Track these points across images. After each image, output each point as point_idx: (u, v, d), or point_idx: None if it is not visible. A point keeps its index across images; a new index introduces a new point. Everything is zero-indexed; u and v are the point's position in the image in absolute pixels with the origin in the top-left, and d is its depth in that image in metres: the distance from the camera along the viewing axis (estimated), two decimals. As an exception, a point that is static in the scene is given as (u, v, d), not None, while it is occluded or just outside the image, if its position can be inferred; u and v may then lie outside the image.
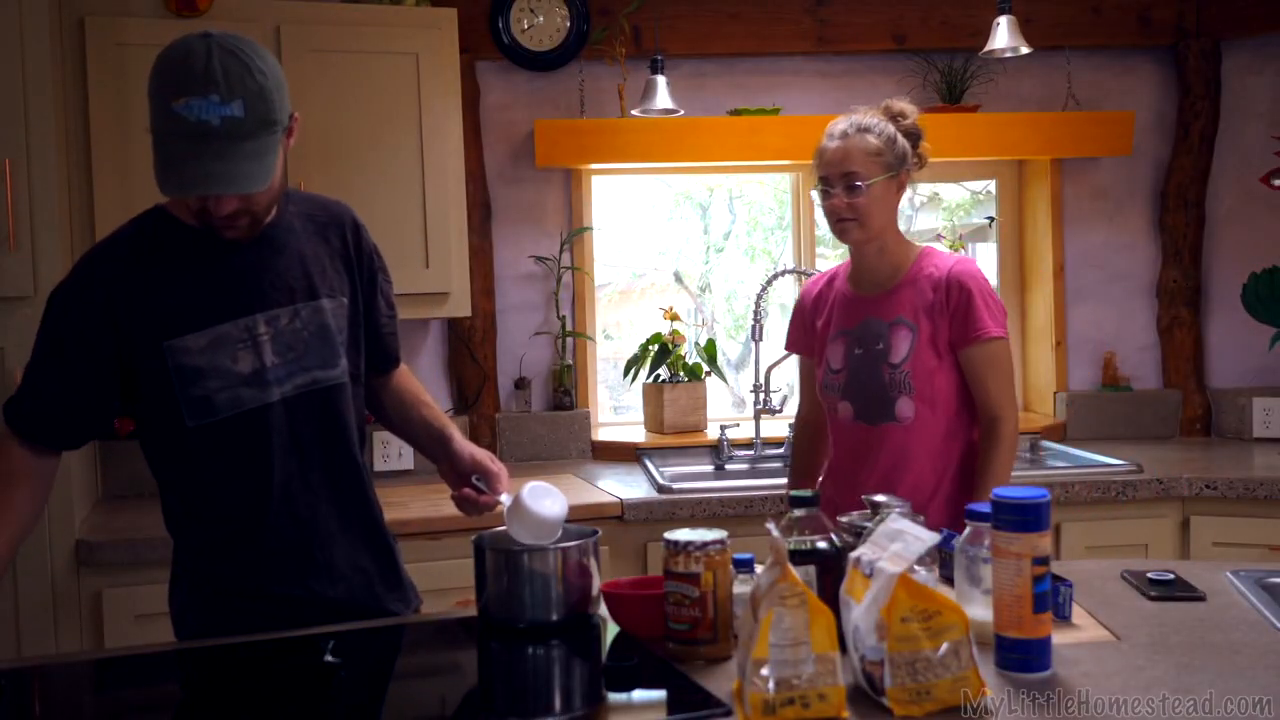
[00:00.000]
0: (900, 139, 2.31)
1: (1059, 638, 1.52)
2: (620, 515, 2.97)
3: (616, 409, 4.01)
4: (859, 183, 2.24)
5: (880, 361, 2.29)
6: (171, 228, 1.78)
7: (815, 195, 2.35)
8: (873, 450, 2.30)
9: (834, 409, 2.38)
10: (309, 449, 1.81)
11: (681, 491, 3.04)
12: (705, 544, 1.54)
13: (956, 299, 2.26)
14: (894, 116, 2.35)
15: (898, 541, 1.43)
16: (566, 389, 3.68)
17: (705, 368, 3.74)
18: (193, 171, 1.60)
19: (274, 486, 1.78)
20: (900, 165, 2.30)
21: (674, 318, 3.72)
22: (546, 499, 1.76)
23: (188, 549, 1.86)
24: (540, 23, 3.59)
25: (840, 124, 2.33)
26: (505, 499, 1.80)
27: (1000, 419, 2.26)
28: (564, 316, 3.68)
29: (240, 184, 1.62)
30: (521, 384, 3.67)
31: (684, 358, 3.71)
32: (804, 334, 2.50)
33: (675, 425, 3.67)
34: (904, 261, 2.35)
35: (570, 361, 3.70)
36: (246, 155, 1.61)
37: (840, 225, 2.29)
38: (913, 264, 2.34)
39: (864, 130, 2.28)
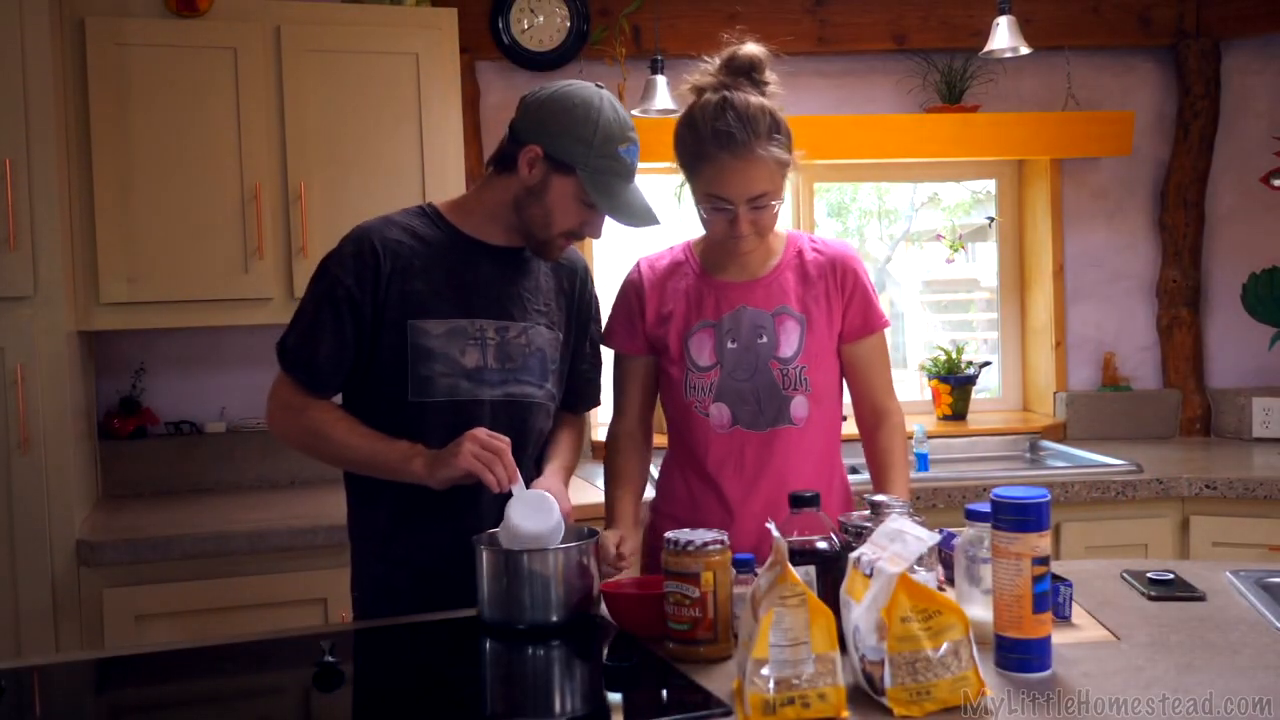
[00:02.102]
0: (780, 116, 1.95)
1: (1059, 638, 1.52)
2: (620, 515, 2.97)
3: (616, 409, 3.99)
4: (771, 203, 1.92)
5: (764, 356, 1.99)
6: (439, 224, 1.97)
7: (698, 209, 1.98)
8: (755, 459, 2.00)
9: (700, 412, 2.02)
10: None
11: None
12: (705, 544, 1.54)
13: (852, 286, 2.03)
14: (752, 77, 1.98)
15: (898, 541, 1.43)
16: (566, 389, 3.67)
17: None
18: (638, 206, 1.92)
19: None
20: (790, 152, 1.95)
21: (674, 318, 3.70)
22: (532, 513, 1.76)
23: (369, 527, 1.99)
24: (540, 23, 3.59)
25: (725, 119, 1.89)
26: (517, 489, 1.79)
27: (890, 409, 2.08)
28: (564, 316, 3.67)
29: (657, 215, 1.94)
30: (521, 384, 3.66)
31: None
32: (633, 327, 2.10)
33: (675, 425, 3.65)
34: (775, 245, 2.06)
35: (570, 361, 3.69)
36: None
37: (737, 240, 1.95)
38: (786, 247, 2.07)
39: (764, 135, 1.89)
